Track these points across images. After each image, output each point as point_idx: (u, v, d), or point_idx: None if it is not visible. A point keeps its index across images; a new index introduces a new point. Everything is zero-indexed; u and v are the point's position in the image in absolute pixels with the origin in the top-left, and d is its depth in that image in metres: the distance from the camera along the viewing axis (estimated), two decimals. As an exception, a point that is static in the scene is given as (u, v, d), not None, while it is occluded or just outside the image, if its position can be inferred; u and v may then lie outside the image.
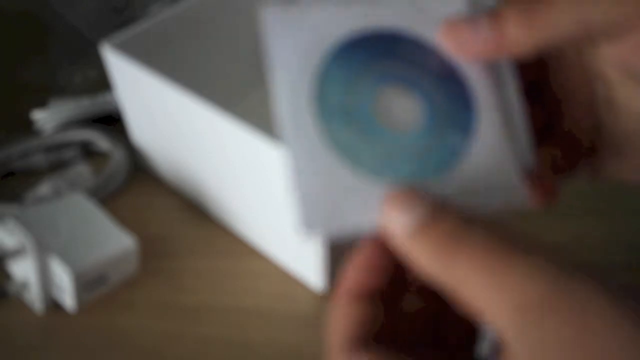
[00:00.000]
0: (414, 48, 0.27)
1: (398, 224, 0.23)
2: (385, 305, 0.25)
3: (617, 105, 0.30)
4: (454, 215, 0.23)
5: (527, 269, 0.21)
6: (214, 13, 0.50)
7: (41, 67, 0.58)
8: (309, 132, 0.25)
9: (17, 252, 0.40)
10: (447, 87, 0.27)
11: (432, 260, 0.22)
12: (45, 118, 0.52)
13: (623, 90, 0.29)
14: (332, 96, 0.26)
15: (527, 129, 0.30)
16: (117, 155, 0.50)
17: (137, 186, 0.50)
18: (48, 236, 0.41)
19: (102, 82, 0.52)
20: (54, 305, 0.42)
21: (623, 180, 0.32)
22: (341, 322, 0.25)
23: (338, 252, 0.40)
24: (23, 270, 0.41)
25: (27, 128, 0.53)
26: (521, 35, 0.27)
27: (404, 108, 0.26)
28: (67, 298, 0.41)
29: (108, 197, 0.48)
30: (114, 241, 0.42)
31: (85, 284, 0.41)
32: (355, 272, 0.25)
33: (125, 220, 0.45)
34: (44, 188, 0.48)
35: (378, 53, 0.27)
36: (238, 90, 0.53)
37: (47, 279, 0.41)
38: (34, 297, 0.41)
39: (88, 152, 0.52)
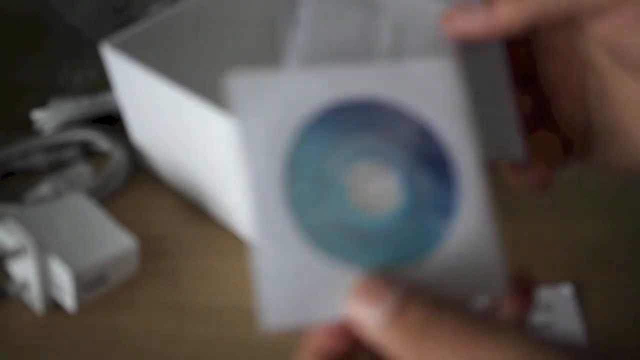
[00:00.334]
0: (393, 117, 0.25)
1: (368, 316, 0.22)
2: None
3: (607, 94, 0.30)
4: (424, 302, 0.22)
5: (497, 346, 0.21)
6: (214, 13, 0.50)
7: (41, 67, 0.58)
8: (278, 216, 0.23)
9: (17, 252, 0.40)
10: (428, 162, 0.25)
11: (404, 350, 0.22)
12: (45, 118, 0.52)
13: (612, 78, 0.30)
14: (303, 178, 0.24)
15: (518, 119, 0.30)
16: (117, 155, 0.50)
17: (137, 186, 0.50)
18: (48, 236, 0.41)
19: (102, 82, 0.52)
20: (54, 305, 0.42)
21: (613, 167, 0.32)
22: None
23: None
24: (23, 270, 0.41)
25: (27, 128, 0.53)
26: (512, 12, 0.27)
27: (381, 187, 0.24)
28: (67, 298, 0.41)
29: (108, 197, 0.48)
30: (113, 241, 0.42)
31: (85, 284, 0.41)
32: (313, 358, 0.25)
33: (125, 220, 0.45)
34: (44, 188, 0.48)
35: (353, 125, 0.25)
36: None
37: (47, 279, 0.41)
38: (34, 297, 0.41)
39: (88, 152, 0.52)
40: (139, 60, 0.43)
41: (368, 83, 0.25)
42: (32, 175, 0.50)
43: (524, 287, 0.27)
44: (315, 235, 0.23)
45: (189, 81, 0.43)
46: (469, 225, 0.24)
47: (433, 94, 0.25)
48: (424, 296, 0.22)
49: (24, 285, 0.41)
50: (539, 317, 0.41)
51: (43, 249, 0.40)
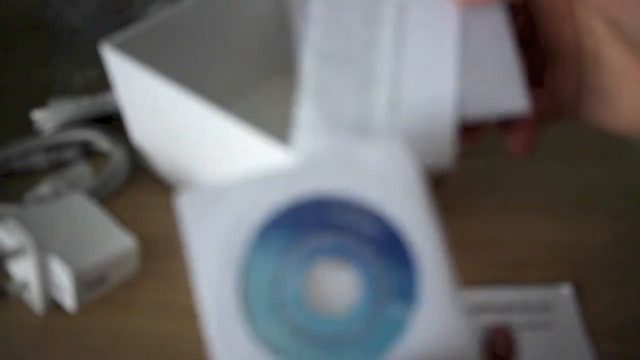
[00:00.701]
0: (347, 210, 0.24)
1: None
2: None
3: (600, 59, 0.31)
4: None
5: None
6: (213, 13, 0.50)
7: (41, 67, 0.58)
8: (234, 329, 0.23)
9: (17, 252, 0.40)
10: (386, 250, 0.24)
11: None
12: (45, 118, 0.52)
13: (606, 45, 0.31)
14: (258, 287, 0.24)
15: (523, 75, 0.31)
16: (117, 156, 0.50)
17: (137, 186, 0.50)
18: (48, 236, 0.41)
19: (102, 82, 0.52)
20: (53, 305, 0.42)
21: (600, 126, 0.33)
22: None
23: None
24: (23, 270, 0.41)
25: (27, 128, 0.53)
26: None
27: (338, 284, 0.24)
28: (67, 298, 0.41)
29: (108, 197, 0.48)
30: (114, 241, 0.42)
31: (85, 284, 0.41)
32: None
33: (125, 220, 0.45)
34: (44, 188, 0.48)
35: (307, 225, 0.24)
36: (238, 90, 0.53)
37: (47, 279, 0.41)
38: (34, 297, 0.41)
39: (88, 152, 0.52)
40: (139, 60, 0.43)
41: (317, 180, 0.25)
42: (32, 175, 0.50)
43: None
44: (273, 345, 0.23)
45: (189, 81, 0.43)
46: (434, 308, 0.24)
47: (386, 180, 0.25)
48: None
49: (24, 285, 0.41)
50: (538, 317, 0.41)
51: (43, 249, 0.40)
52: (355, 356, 0.23)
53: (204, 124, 0.41)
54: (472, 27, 0.31)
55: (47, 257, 0.40)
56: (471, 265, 0.43)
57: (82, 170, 0.50)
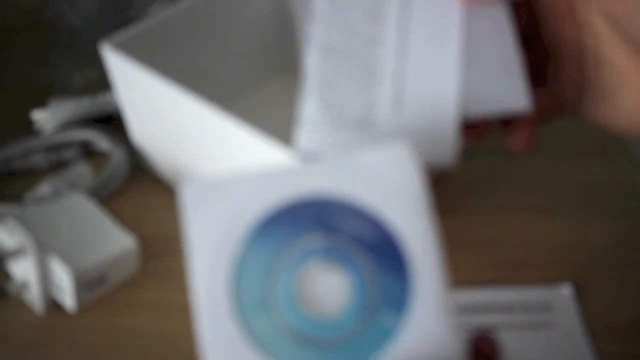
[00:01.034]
0: (344, 213, 0.24)
1: None
2: None
3: (601, 58, 0.31)
4: None
5: None
6: (213, 13, 0.50)
7: (41, 67, 0.58)
8: (225, 325, 0.23)
9: (17, 252, 0.40)
10: (381, 256, 0.24)
11: None
12: (45, 118, 0.52)
13: (607, 43, 0.31)
14: (250, 284, 0.24)
15: (525, 73, 0.31)
16: (117, 155, 0.50)
17: (137, 186, 0.50)
18: (48, 236, 0.41)
19: (102, 82, 0.52)
20: (54, 305, 0.42)
21: (605, 125, 0.33)
22: None
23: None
24: (23, 270, 0.41)
25: (27, 128, 0.53)
26: None
27: (330, 287, 0.24)
28: (67, 298, 0.41)
29: (108, 197, 0.48)
30: (114, 241, 0.42)
31: (85, 284, 0.41)
32: None
33: (125, 220, 0.45)
34: (44, 188, 0.48)
35: (303, 225, 0.24)
36: (238, 90, 0.53)
37: (47, 279, 0.41)
38: (34, 297, 0.41)
39: (88, 152, 0.52)
40: (139, 60, 0.43)
41: (317, 180, 0.24)
42: (32, 175, 0.50)
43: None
44: (263, 342, 0.23)
45: (189, 81, 0.43)
46: (424, 319, 0.23)
47: (389, 187, 0.25)
48: None
49: (24, 285, 0.41)
50: (538, 317, 0.41)
51: (43, 249, 0.40)
52: (341, 359, 0.23)
53: (204, 124, 0.41)
54: (475, 25, 0.32)
55: (47, 257, 0.40)
56: (471, 265, 0.43)
57: (82, 170, 0.50)
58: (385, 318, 0.24)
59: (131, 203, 0.48)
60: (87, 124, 0.53)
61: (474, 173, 0.50)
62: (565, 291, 0.43)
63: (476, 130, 0.33)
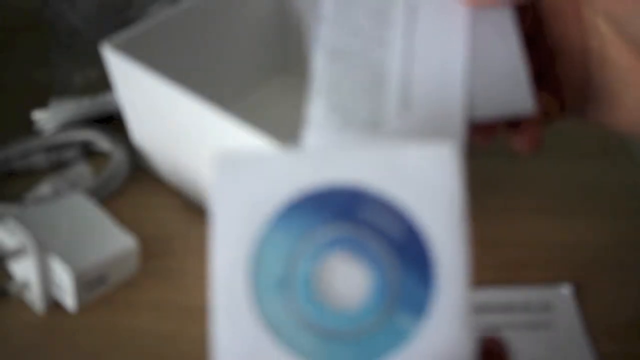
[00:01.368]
0: (377, 208, 0.24)
1: None
2: None
3: (606, 60, 0.31)
4: None
5: None
6: (213, 13, 0.51)
7: (41, 67, 0.58)
8: (239, 302, 0.23)
9: (17, 252, 0.41)
10: (408, 258, 0.23)
11: None
12: (45, 118, 0.52)
13: (611, 46, 0.31)
14: (270, 264, 0.23)
15: (529, 75, 0.31)
16: (118, 156, 0.50)
17: (138, 186, 0.50)
18: (48, 236, 0.41)
19: (102, 83, 0.52)
20: (54, 305, 0.42)
21: (605, 125, 0.34)
22: None
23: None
24: (24, 270, 0.41)
25: (28, 128, 0.53)
26: None
27: (350, 280, 0.23)
28: (68, 298, 0.41)
29: (108, 197, 0.48)
30: (114, 241, 0.42)
31: (85, 283, 0.41)
32: None
33: (125, 220, 0.45)
34: (45, 188, 0.48)
35: (332, 213, 0.23)
36: (238, 90, 0.53)
37: (47, 278, 0.41)
38: (35, 296, 0.41)
39: (88, 152, 0.52)
40: (139, 60, 0.43)
41: (355, 170, 0.24)
42: (33, 175, 0.50)
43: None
44: (275, 325, 0.23)
45: (189, 81, 0.43)
46: (441, 326, 0.23)
47: (425, 185, 0.24)
48: None
49: (25, 285, 0.41)
50: (538, 317, 0.41)
51: (43, 249, 0.40)
52: (351, 354, 0.23)
53: (204, 124, 0.41)
54: (479, 27, 0.32)
55: (48, 257, 0.40)
56: (473, 266, 0.43)
57: (82, 170, 0.50)
58: (401, 319, 0.23)
59: (131, 203, 0.49)
60: (87, 124, 0.53)
61: (474, 173, 0.50)
62: (565, 291, 0.43)
63: (483, 132, 0.33)
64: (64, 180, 0.49)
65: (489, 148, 0.41)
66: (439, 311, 0.23)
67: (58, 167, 0.51)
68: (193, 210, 0.48)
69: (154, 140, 0.48)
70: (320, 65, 0.31)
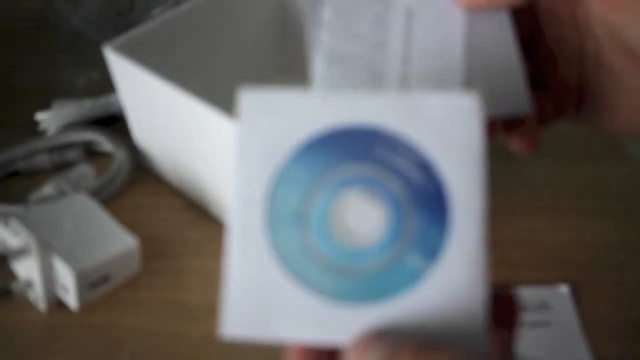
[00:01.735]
0: (396, 149, 0.24)
1: None
2: None
3: (601, 64, 0.32)
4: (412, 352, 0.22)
5: None
6: (215, 16, 0.51)
7: (45, 69, 0.59)
8: (254, 231, 0.23)
9: (21, 252, 0.41)
10: (424, 200, 0.23)
11: None
12: (49, 119, 0.53)
13: (607, 50, 0.31)
14: (288, 197, 0.24)
15: (525, 76, 0.31)
16: (120, 156, 0.51)
17: (140, 187, 0.50)
18: (51, 236, 0.41)
19: (105, 84, 0.53)
20: (57, 304, 0.42)
21: (600, 127, 0.34)
22: None
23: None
24: (27, 269, 0.42)
25: (31, 129, 0.53)
26: None
27: (365, 218, 0.23)
28: (70, 297, 0.41)
29: (111, 198, 0.49)
30: (116, 241, 0.43)
31: (88, 283, 0.41)
32: None
33: (127, 221, 0.45)
34: (48, 188, 0.48)
35: (352, 152, 0.24)
36: (238, 91, 0.53)
37: (50, 278, 0.41)
38: (38, 296, 0.41)
39: (91, 152, 0.53)
40: (142, 62, 0.43)
41: (376, 111, 0.24)
42: (36, 176, 0.50)
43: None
44: (288, 257, 0.23)
45: (191, 83, 0.43)
46: (455, 273, 0.23)
47: (446, 131, 0.24)
48: (412, 347, 0.22)
49: (28, 284, 0.42)
50: (536, 317, 0.41)
51: (46, 249, 0.40)
52: (360, 291, 0.23)
53: (206, 125, 0.41)
54: (477, 29, 0.32)
55: (51, 256, 0.40)
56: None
57: (85, 171, 0.50)
58: (413, 261, 0.23)
59: (134, 203, 0.49)
60: (90, 125, 0.53)
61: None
62: (563, 291, 0.43)
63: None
64: (67, 180, 0.49)
65: (488, 148, 0.42)
66: (452, 256, 0.23)
67: (61, 167, 0.51)
68: (195, 211, 0.49)
69: (156, 141, 0.49)
70: (320, 69, 0.32)
